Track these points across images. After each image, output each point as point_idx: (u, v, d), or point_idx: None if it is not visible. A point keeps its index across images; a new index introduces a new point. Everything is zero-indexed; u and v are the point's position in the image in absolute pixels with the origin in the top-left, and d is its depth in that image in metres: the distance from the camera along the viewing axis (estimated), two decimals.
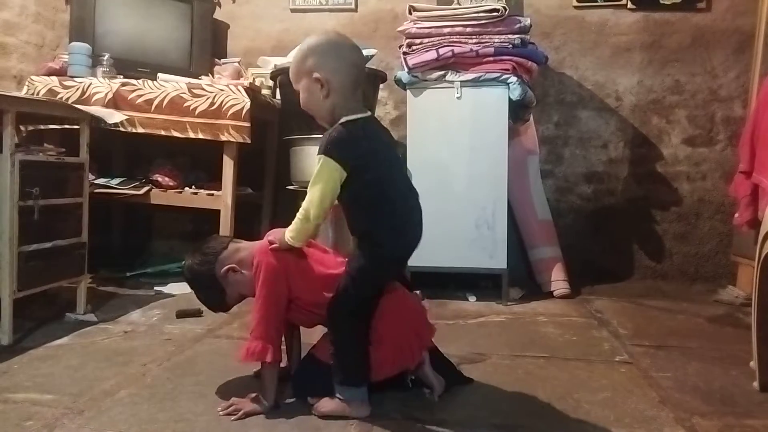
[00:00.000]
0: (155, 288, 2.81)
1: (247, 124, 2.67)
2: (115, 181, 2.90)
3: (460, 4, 2.75)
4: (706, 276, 3.28)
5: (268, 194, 3.35)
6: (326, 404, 1.46)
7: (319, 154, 1.41)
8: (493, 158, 2.70)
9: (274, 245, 1.50)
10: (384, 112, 3.48)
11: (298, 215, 1.45)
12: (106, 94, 2.71)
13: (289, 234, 1.47)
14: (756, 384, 1.68)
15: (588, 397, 1.62)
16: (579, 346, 2.10)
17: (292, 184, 2.94)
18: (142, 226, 3.55)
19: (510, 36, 2.66)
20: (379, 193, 1.45)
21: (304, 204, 1.43)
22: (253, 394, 1.51)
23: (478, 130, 2.72)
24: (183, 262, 1.65)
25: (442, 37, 2.70)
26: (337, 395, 1.46)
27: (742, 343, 2.00)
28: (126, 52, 2.99)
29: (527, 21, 2.71)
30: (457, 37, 2.69)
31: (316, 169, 1.41)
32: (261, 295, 1.49)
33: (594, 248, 3.34)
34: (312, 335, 1.68)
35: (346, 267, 1.50)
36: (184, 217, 3.47)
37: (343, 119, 1.44)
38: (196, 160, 3.16)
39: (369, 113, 1.50)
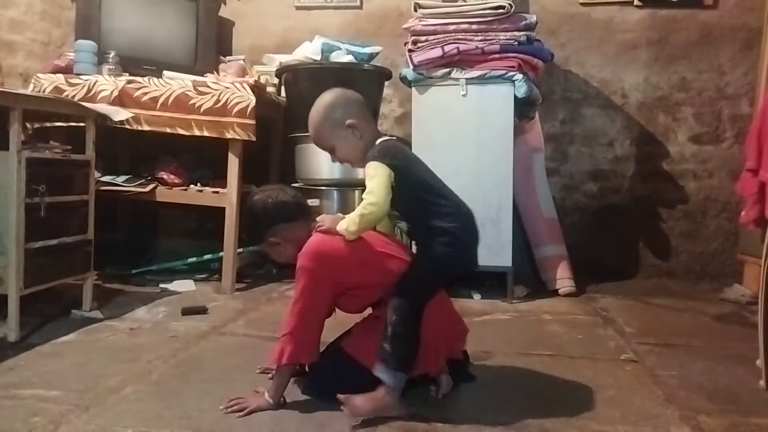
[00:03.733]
0: (161, 285, 2.82)
1: (252, 122, 2.68)
2: (120, 179, 2.90)
3: (465, 2, 2.73)
4: (712, 274, 3.27)
5: None
6: (363, 404, 1.42)
7: (367, 162, 1.52)
8: (498, 156, 2.70)
9: (322, 228, 1.51)
10: (389, 109, 3.48)
11: (360, 210, 1.47)
12: (112, 92, 2.72)
13: (345, 225, 1.47)
14: (762, 382, 1.68)
15: (593, 395, 1.62)
16: (584, 344, 2.10)
17: (297, 182, 2.94)
18: (148, 224, 3.57)
19: (516, 33, 2.65)
20: (429, 189, 1.56)
21: (365, 202, 1.47)
22: (258, 391, 1.51)
23: (483, 128, 2.71)
24: (253, 199, 1.64)
25: (448, 35, 2.69)
26: (384, 378, 1.43)
27: (748, 341, 1.99)
28: (131, 49, 3.00)
29: (533, 18, 2.70)
30: (463, 34, 2.68)
31: (370, 174, 1.49)
32: (301, 300, 1.48)
33: (599, 246, 3.33)
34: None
35: (418, 255, 1.53)
36: (189, 215, 3.48)
37: (377, 142, 1.57)
38: (202, 158, 3.16)
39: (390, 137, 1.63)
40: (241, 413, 1.44)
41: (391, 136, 1.62)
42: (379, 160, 1.51)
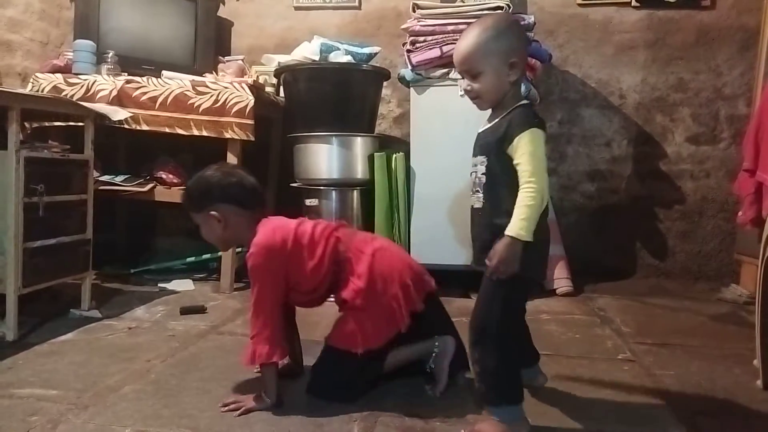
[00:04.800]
0: (159, 284, 2.82)
1: (251, 122, 2.68)
2: (119, 178, 2.90)
3: (463, 2, 2.74)
4: (709, 274, 3.28)
5: (271, 192, 3.35)
6: (486, 428, 1.35)
7: (520, 130, 1.29)
8: None
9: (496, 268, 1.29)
10: (387, 109, 3.48)
11: (524, 201, 1.25)
12: (111, 92, 2.72)
13: (518, 229, 1.25)
14: (759, 382, 1.68)
15: (590, 394, 1.62)
16: (582, 343, 2.10)
17: (296, 182, 2.94)
18: (146, 223, 3.57)
19: None
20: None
21: (526, 185, 1.26)
22: (256, 393, 1.51)
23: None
24: (213, 169, 1.61)
25: (446, 35, 2.70)
26: (494, 417, 1.35)
27: (745, 341, 2.00)
28: (130, 49, 3.00)
29: (531, 19, 2.70)
30: (461, 34, 2.68)
31: (523, 144, 1.28)
32: (260, 298, 1.50)
33: (597, 246, 3.33)
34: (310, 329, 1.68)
35: (488, 269, 1.33)
36: (187, 215, 3.47)
37: (521, 102, 1.36)
38: (200, 158, 3.14)
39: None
40: (238, 412, 1.45)
41: (525, 101, 1.38)
42: (536, 125, 1.28)
